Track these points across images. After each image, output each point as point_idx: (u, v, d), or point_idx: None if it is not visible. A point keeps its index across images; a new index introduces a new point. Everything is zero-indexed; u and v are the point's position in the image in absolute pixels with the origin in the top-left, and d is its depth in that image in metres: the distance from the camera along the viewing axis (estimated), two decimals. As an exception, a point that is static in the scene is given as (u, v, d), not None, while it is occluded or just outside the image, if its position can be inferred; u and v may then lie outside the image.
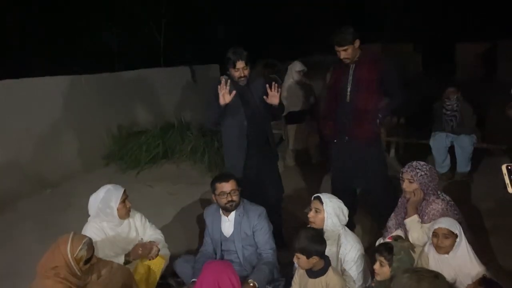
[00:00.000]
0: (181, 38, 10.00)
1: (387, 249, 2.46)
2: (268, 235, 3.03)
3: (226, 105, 3.22)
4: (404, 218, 2.98)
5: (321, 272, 2.50)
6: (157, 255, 2.83)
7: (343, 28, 3.37)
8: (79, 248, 2.28)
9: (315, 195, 2.83)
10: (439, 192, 2.97)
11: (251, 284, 2.70)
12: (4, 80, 4.69)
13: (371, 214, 4.01)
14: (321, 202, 2.74)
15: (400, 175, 3.01)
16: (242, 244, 3.01)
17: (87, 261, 2.32)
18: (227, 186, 2.92)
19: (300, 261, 2.48)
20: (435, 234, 2.53)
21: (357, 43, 3.37)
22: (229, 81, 3.26)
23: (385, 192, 3.62)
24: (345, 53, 3.36)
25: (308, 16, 11.75)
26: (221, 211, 3.05)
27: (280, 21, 11.36)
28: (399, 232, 2.98)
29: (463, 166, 4.91)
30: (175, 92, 7.19)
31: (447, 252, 2.51)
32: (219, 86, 3.18)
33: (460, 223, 2.63)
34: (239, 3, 11.01)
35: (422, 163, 2.99)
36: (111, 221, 2.82)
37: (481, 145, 4.97)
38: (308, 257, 2.44)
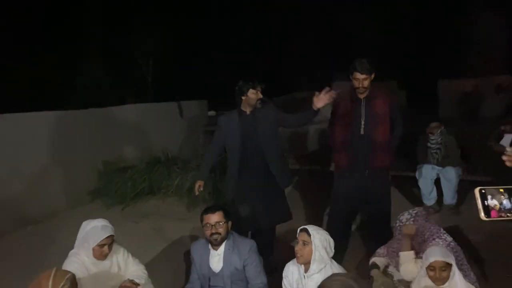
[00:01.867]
0: (168, 74, 10.10)
1: (368, 282, 2.44)
2: (259, 269, 2.98)
3: (227, 136, 3.61)
4: (398, 250, 2.97)
5: None
6: None
7: (364, 58, 3.50)
8: (62, 284, 2.18)
9: (301, 227, 2.78)
10: (442, 232, 2.96)
11: None
12: (-13, 116, 4.65)
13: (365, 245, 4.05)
14: (309, 234, 2.68)
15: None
16: (231, 279, 2.94)
17: (69, 297, 2.24)
18: (212, 218, 2.89)
19: None
20: (431, 267, 2.48)
21: (373, 75, 3.51)
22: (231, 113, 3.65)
23: (384, 222, 3.68)
24: (364, 82, 3.47)
25: (294, 54, 12.02)
26: (210, 245, 3.00)
27: (266, 59, 11.59)
28: (383, 261, 2.98)
29: (449, 198, 4.94)
30: (162, 128, 7.18)
31: (444, 283, 2.48)
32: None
33: (461, 264, 2.62)
34: (226, 41, 11.23)
35: (406, 216, 3.05)
36: (89, 257, 2.74)
37: (466, 178, 5.02)
38: None
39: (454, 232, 4.31)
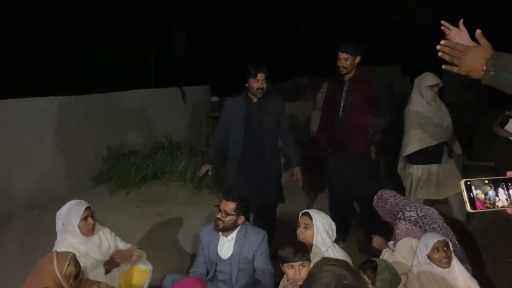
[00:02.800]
0: (171, 60, 10.05)
1: (372, 267, 2.43)
2: (268, 259, 3.00)
3: (231, 121, 3.64)
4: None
5: None
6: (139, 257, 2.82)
7: (353, 40, 3.58)
8: (66, 264, 2.22)
9: (303, 211, 2.82)
10: (401, 214, 3.02)
11: None
12: (-9, 101, 4.65)
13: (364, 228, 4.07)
14: (310, 218, 2.72)
15: None
16: (239, 268, 2.94)
17: (76, 276, 2.27)
18: (224, 205, 2.91)
19: (293, 270, 2.36)
20: (435, 249, 2.46)
21: (357, 58, 3.53)
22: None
23: (370, 211, 3.69)
24: (345, 61, 3.49)
25: (296, 40, 11.92)
26: (220, 232, 3.00)
27: (269, 44, 11.49)
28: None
29: (452, 184, 4.92)
30: (165, 113, 7.18)
31: (450, 263, 2.48)
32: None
33: (450, 238, 2.64)
34: (227, 27, 11.14)
35: None
36: (76, 238, 2.75)
37: (469, 163, 5.01)
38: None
39: (457, 218, 4.34)
